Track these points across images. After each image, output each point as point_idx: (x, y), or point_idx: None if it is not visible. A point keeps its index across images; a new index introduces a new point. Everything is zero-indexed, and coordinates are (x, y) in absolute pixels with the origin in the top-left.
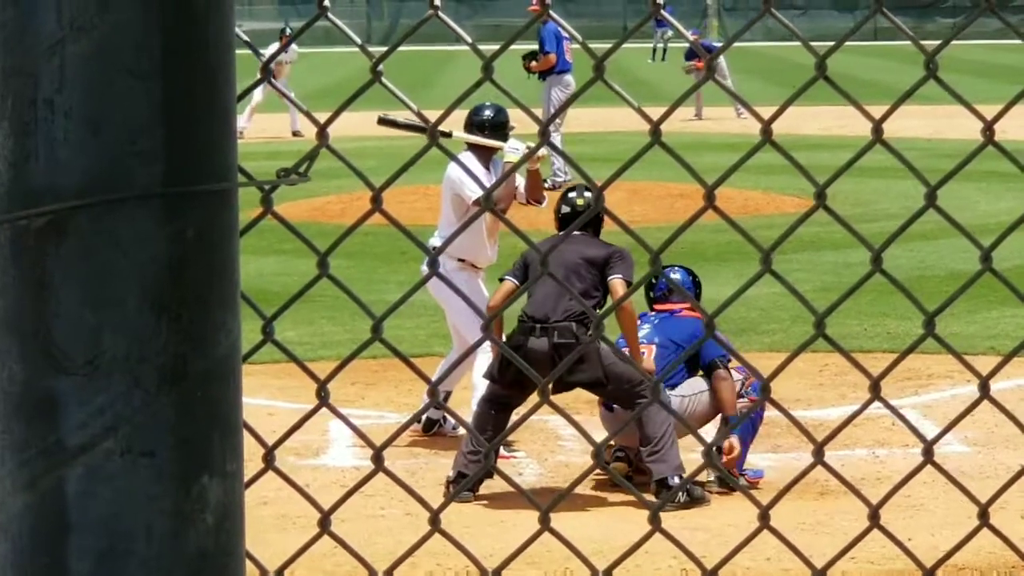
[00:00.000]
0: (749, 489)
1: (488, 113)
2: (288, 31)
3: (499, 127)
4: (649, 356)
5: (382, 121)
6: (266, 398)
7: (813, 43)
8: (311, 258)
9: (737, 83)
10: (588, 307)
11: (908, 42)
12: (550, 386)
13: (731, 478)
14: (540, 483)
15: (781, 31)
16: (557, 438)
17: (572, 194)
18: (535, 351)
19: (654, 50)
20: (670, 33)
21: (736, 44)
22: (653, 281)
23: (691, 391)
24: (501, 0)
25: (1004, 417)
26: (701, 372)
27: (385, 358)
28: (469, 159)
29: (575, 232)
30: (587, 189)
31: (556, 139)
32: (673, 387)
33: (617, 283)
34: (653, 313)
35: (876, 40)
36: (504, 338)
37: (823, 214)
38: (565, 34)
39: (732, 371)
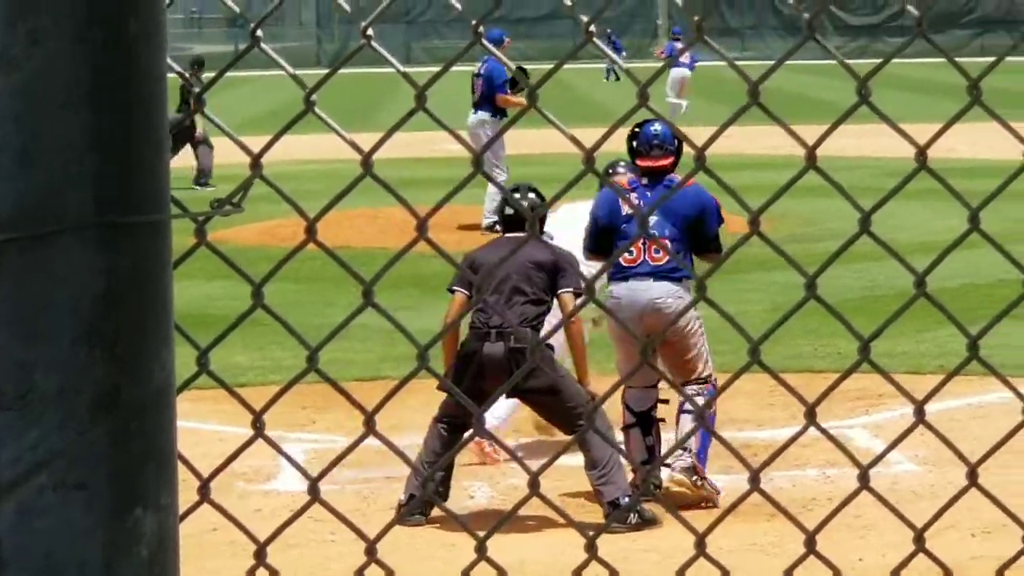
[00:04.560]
0: (707, 503)
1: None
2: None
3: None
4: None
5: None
6: (217, 423)
7: (756, 63)
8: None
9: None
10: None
11: (852, 62)
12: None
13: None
14: (491, 505)
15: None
16: (509, 460)
17: (516, 195)
18: (491, 356)
19: (608, 70)
20: (623, 54)
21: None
22: (636, 130)
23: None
24: (455, 23)
25: (954, 436)
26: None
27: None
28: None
29: (520, 234)
30: (530, 189)
31: (501, 177)
32: (679, 280)
33: (568, 298)
34: (644, 180)
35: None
36: (459, 346)
37: (778, 233)
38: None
39: (703, 389)
